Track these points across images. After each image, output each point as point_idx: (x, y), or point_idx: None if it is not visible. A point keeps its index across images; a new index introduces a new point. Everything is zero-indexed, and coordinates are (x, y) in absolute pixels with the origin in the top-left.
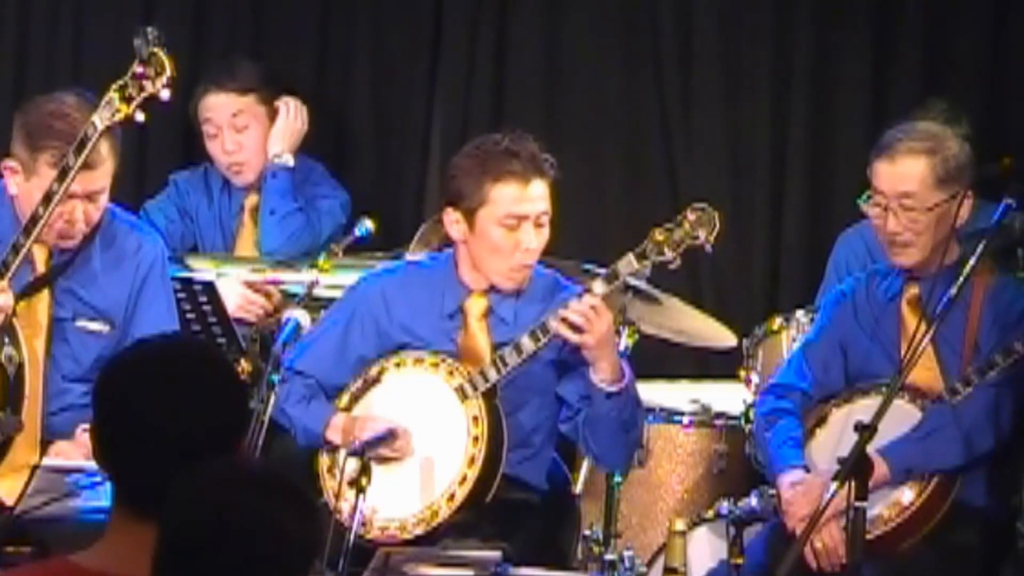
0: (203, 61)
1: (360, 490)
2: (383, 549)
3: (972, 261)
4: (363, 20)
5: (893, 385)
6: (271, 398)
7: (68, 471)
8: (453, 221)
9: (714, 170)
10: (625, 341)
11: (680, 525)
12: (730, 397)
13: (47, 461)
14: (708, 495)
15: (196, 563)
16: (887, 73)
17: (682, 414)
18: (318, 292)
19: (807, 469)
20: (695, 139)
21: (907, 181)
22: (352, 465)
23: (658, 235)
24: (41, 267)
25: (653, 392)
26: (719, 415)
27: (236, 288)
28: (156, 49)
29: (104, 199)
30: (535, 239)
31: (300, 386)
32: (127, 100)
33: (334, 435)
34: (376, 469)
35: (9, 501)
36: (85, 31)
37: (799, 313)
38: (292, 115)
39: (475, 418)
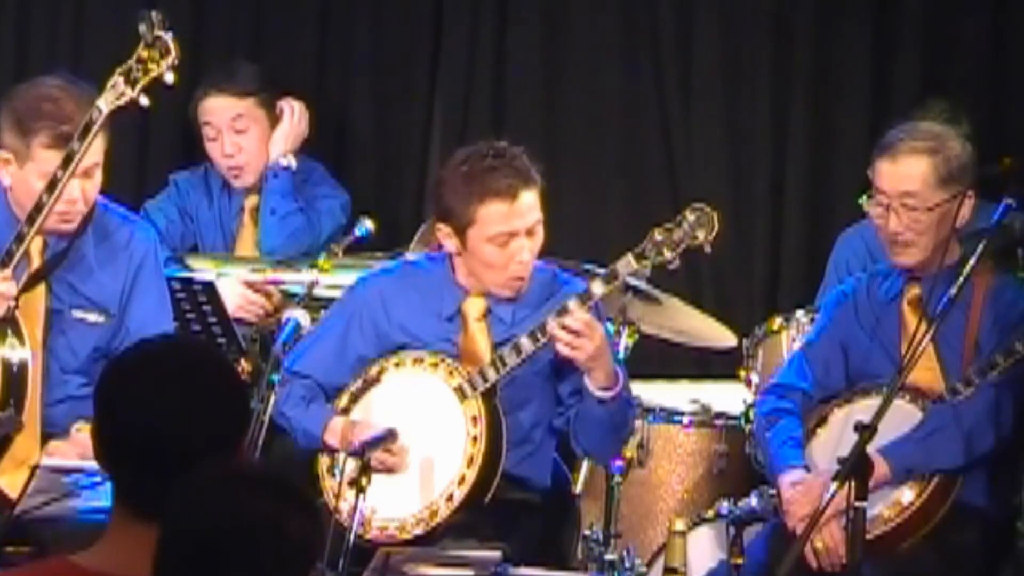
0: (203, 62)
1: (360, 490)
2: (383, 549)
3: (972, 261)
4: (363, 20)
5: (893, 385)
6: (271, 398)
7: (68, 471)
8: (445, 235)
9: (714, 170)
10: (625, 341)
11: (680, 525)
12: (730, 397)
13: (47, 461)
14: (708, 495)
15: (197, 564)
16: (887, 73)
17: (682, 414)
18: (318, 292)
19: (807, 469)
20: (695, 139)
21: (909, 181)
22: (352, 465)
23: (657, 235)
24: (36, 259)
25: (653, 392)
26: (719, 415)
27: (236, 288)
28: (161, 32)
29: (99, 176)
30: (528, 250)
31: (299, 388)
32: (132, 83)
33: (332, 438)
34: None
35: (12, 494)
36: (85, 31)
37: (799, 313)
38: (296, 118)
39: (474, 418)
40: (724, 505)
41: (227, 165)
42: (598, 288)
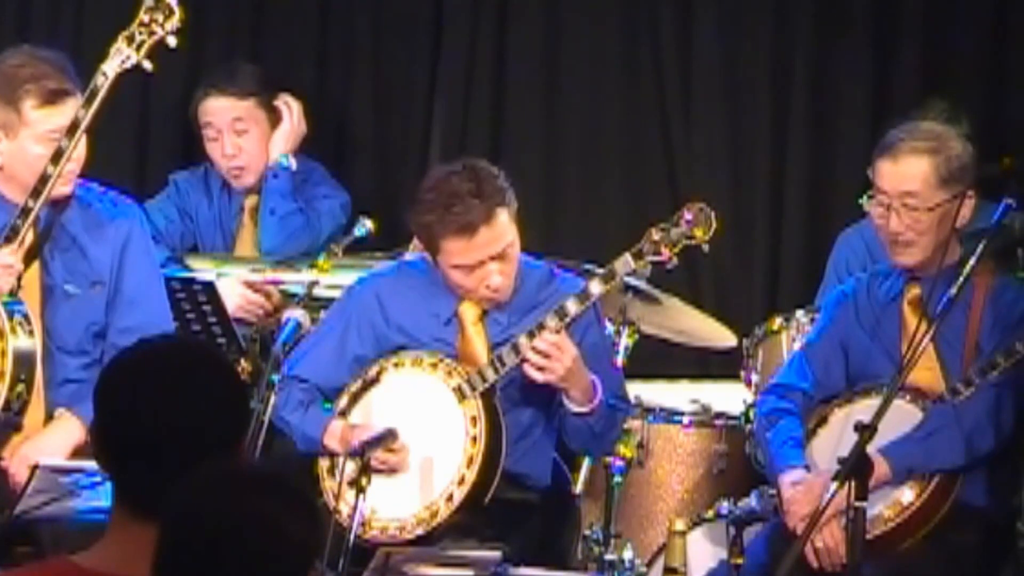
0: (203, 62)
1: (360, 490)
2: (383, 549)
3: (972, 261)
4: (363, 20)
5: (893, 385)
6: (271, 398)
7: (68, 471)
8: (422, 249)
9: (714, 170)
10: (625, 341)
11: (680, 525)
12: (730, 397)
13: (47, 461)
14: (708, 495)
15: (197, 564)
16: (887, 73)
17: (682, 414)
18: (318, 292)
19: (808, 469)
20: (695, 139)
21: (910, 181)
22: (352, 466)
23: (655, 234)
24: (30, 235)
25: (653, 392)
26: (719, 415)
27: (236, 288)
28: None
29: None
30: (498, 273)
31: (297, 392)
32: (137, 47)
33: (332, 441)
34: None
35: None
36: (85, 31)
37: (799, 313)
38: (296, 118)
39: (473, 418)
40: (724, 505)
41: (228, 166)
42: (596, 287)
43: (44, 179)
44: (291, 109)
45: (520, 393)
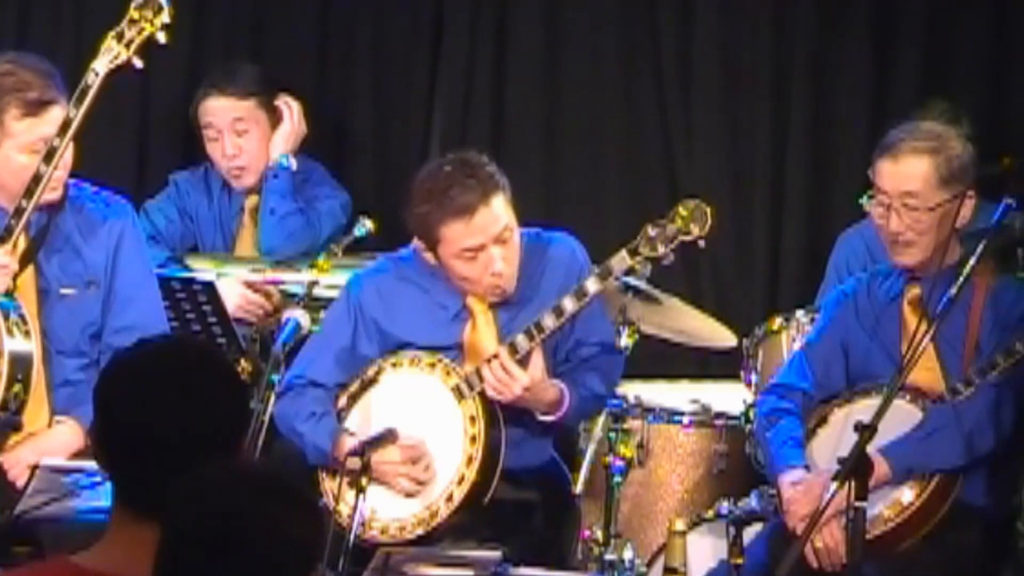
0: (203, 62)
1: (360, 490)
2: (383, 549)
3: (972, 261)
4: (363, 20)
5: (893, 385)
6: (271, 398)
7: (68, 471)
8: (423, 249)
9: (714, 170)
10: (625, 341)
11: (680, 525)
12: (730, 397)
13: (47, 461)
14: (708, 495)
15: (198, 564)
16: (887, 73)
17: (682, 414)
18: (318, 292)
19: (808, 469)
20: (695, 139)
21: (910, 181)
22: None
23: (650, 231)
24: (22, 240)
25: (653, 392)
26: (719, 415)
27: (236, 288)
28: None
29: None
30: (500, 258)
31: (311, 402)
32: (126, 45)
33: (340, 453)
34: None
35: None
36: (85, 31)
37: (799, 313)
38: (296, 118)
39: (472, 418)
40: (724, 505)
41: (228, 166)
42: (592, 285)
43: (37, 178)
44: (291, 109)
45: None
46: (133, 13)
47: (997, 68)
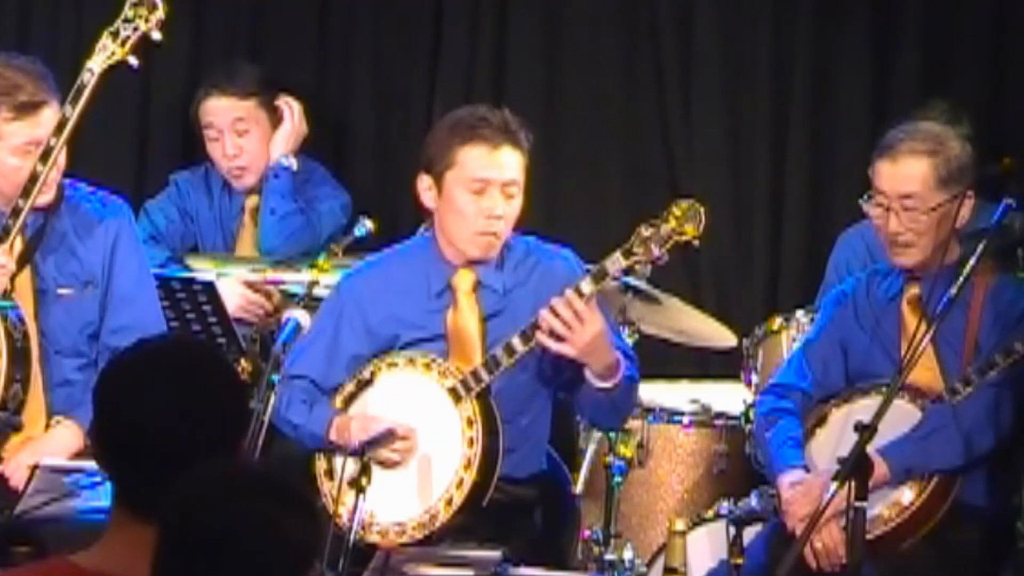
0: (203, 62)
1: (360, 490)
2: (383, 548)
3: (972, 261)
4: (363, 20)
5: (893, 385)
6: (271, 398)
7: (68, 471)
8: (426, 188)
9: (714, 170)
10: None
11: (680, 525)
12: (730, 397)
13: (47, 461)
14: (708, 495)
15: (196, 564)
16: (887, 73)
17: (682, 414)
18: (318, 292)
19: (807, 469)
20: (695, 139)
21: (909, 182)
22: (352, 465)
23: (644, 231)
24: (19, 241)
25: (653, 392)
26: (719, 415)
27: (236, 288)
28: None
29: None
30: (501, 206)
31: (299, 392)
32: (121, 43)
33: (336, 436)
34: (374, 473)
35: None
36: (85, 31)
37: (799, 313)
38: (296, 118)
39: (469, 420)
40: (724, 505)
41: (229, 166)
42: (587, 287)
43: (34, 178)
44: (292, 109)
45: (518, 407)
46: (128, 11)
47: (997, 68)
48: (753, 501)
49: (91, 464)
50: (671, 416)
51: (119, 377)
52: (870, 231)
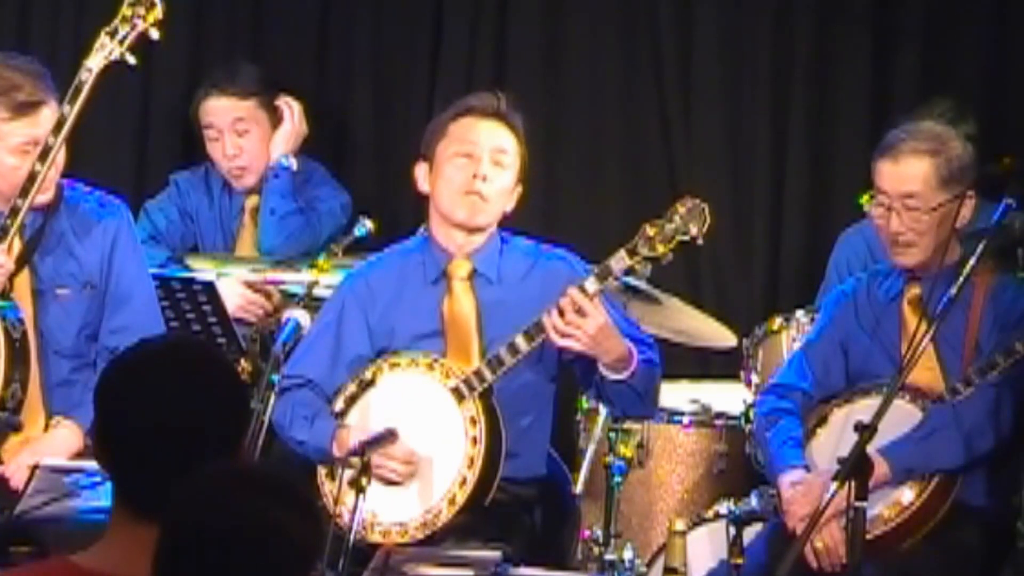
0: (203, 62)
1: (360, 490)
2: (383, 548)
3: (972, 261)
4: (363, 20)
5: (893, 385)
6: (271, 398)
7: (68, 471)
8: (423, 173)
9: (714, 170)
10: None
11: (680, 525)
12: (730, 397)
13: (47, 461)
14: (708, 495)
15: (197, 565)
16: (887, 73)
17: (682, 414)
18: (318, 292)
19: (808, 469)
20: (695, 139)
21: (910, 181)
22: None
23: (648, 230)
24: (17, 242)
25: None
26: (719, 415)
27: (236, 288)
28: None
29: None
30: (487, 168)
31: (301, 406)
32: (120, 41)
33: (339, 451)
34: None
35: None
36: (85, 32)
37: (799, 313)
38: (296, 118)
39: (472, 419)
40: (724, 505)
41: (229, 166)
42: (591, 285)
43: (32, 177)
44: (292, 110)
45: (519, 408)
46: (126, 10)
47: (997, 68)
48: (753, 501)
49: (91, 464)
50: (671, 416)
51: (119, 377)
52: (870, 231)
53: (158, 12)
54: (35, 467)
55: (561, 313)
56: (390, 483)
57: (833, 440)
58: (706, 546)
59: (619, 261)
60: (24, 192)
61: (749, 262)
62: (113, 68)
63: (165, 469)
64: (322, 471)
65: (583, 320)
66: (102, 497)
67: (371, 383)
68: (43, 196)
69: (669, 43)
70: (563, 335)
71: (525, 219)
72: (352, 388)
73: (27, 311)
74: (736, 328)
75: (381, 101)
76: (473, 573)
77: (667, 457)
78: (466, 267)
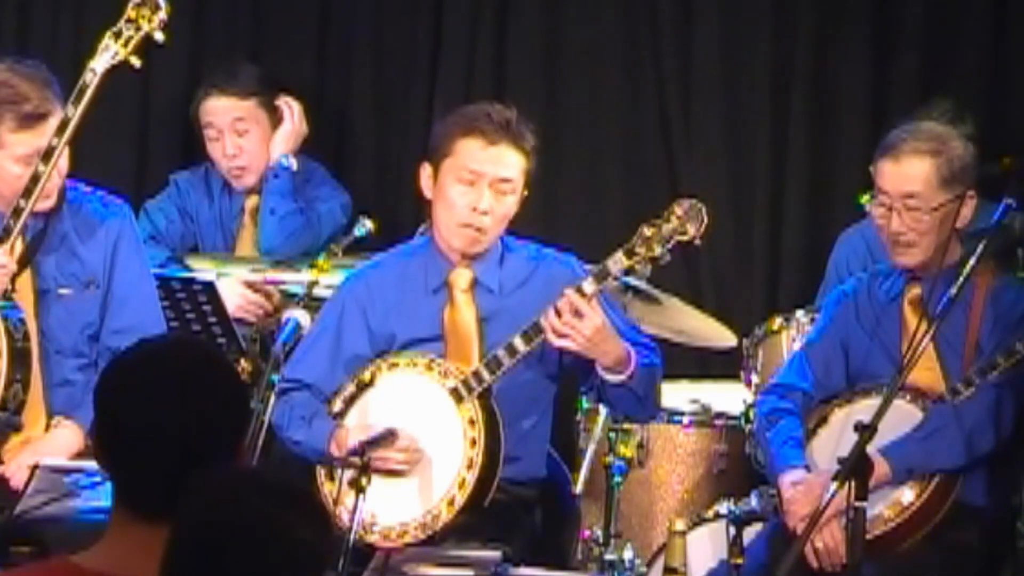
0: (203, 62)
1: (360, 490)
2: (383, 548)
3: (972, 261)
4: (363, 20)
5: (893, 385)
6: (271, 398)
7: (68, 471)
8: (427, 176)
9: (714, 170)
10: None
11: (680, 525)
12: (730, 397)
13: (47, 461)
14: (708, 495)
15: (207, 567)
16: (887, 73)
17: (682, 414)
18: (318, 292)
19: (808, 469)
20: (695, 139)
21: (911, 181)
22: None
23: (646, 231)
24: (19, 244)
25: None
26: (719, 415)
27: (236, 288)
28: None
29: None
30: (488, 201)
31: (299, 407)
32: (124, 43)
33: (336, 449)
34: (376, 475)
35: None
36: (84, 32)
37: (799, 313)
38: (297, 118)
39: (471, 421)
40: (724, 505)
41: (229, 166)
42: (589, 287)
43: (35, 177)
44: (292, 109)
45: (519, 410)
46: (131, 12)
47: (997, 68)
48: (753, 501)
49: (91, 464)
50: (671, 416)
51: (120, 377)
52: (871, 231)
53: (163, 14)
54: (35, 467)
55: (558, 314)
56: (391, 474)
57: (833, 440)
58: (706, 546)
59: (616, 262)
60: (27, 192)
61: (749, 262)
62: (115, 69)
63: (165, 469)
64: (321, 472)
65: (580, 322)
66: (102, 497)
67: (370, 383)
68: (45, 203)
69: (669, 43)
70: (560, 335)
71: (525, 220)
72: (351, 388)
73: (29, 311)
74: (736, 328)
75: (381, 101)
76: (473, 573)
77: (667, 457)
78: (467, 277)
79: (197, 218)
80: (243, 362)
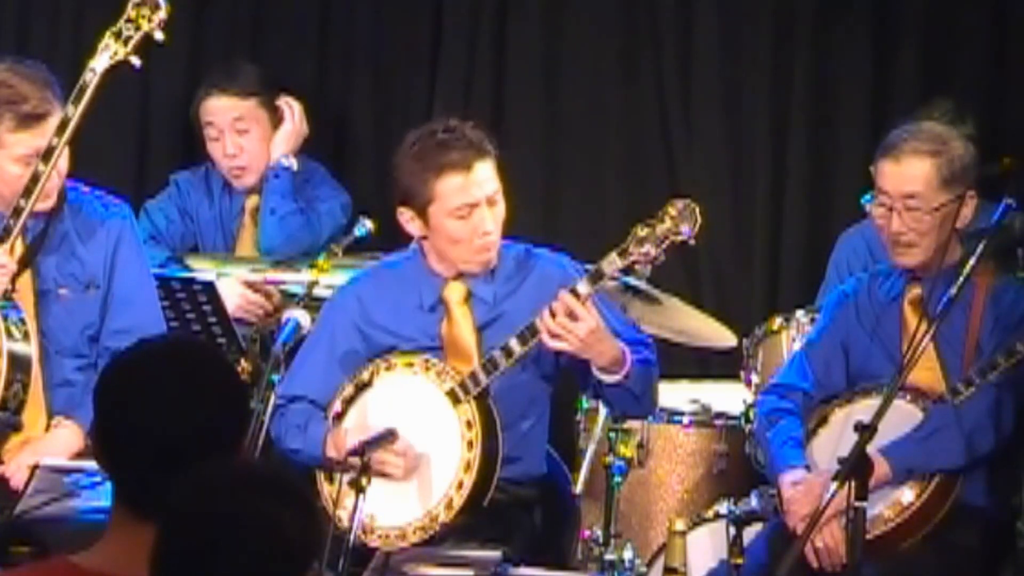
0: (203, 62)
1: (360, 490)
2: (383, 549)
3: (972, 261)
4: (363, 20)
5: (893, 385)
6: (271, 398)
7: (68, 471)
8: (408, 220)
9: (714, 170)
10: None
11: (680, 525)
12: (730, 397)
13: (47, 461)
14: (708, 495)
15: (195, 563)
16: (887, 73)
17: (682, 414)
18: (318, 292)
19: (808, 469)
20: (695, 139)
21: (912, 182)
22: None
23: (640, 231)
24: (19, 245)
25: None
26: (719, 415)
27: (236, 288)
28: None
29: (65, 150)
30: (490, 220)
31: (294, 416)
32: (124, 42)
33: (333, 452)
34: (374, 479)
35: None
36: (85, 32)
37: (799, 313)
38: (297, 118)
39: (468, 422)
40: (724, 505)
41: (229, 166)
42: (583, 288)
43: (35, 177)
44: (292, 109)
45: (517, 411)
46: (131, 11)
47: (997, 68)
48: (753, 501)
49: (91, 464)
50: (671, 416)
51: (119, 378)
52: (871, 230)
53: (163, 13)
54: (35, 467)
55: (553, 315)
56: (385, 476)
57: (833, 440)
58: (706, 546)
59: (611, 264)
60: (27, 192)
61: (749, 262)
62: (116, 68)
63: (165, 469)
64: (321, 473)
65: (574, 323)
66: (102, 497)
67: (367, 385)
68: (46, 202)
69: (669, 44)
70: (554, 336)
71: (525, 221)
72: (349, 390)
73: (29, 311)
74: (736, 328)
75: (381, 101)
76: (473, 573)
77: (667, 457)
78: (461, 290)
79: (197, 218)
80: (243, 362)
